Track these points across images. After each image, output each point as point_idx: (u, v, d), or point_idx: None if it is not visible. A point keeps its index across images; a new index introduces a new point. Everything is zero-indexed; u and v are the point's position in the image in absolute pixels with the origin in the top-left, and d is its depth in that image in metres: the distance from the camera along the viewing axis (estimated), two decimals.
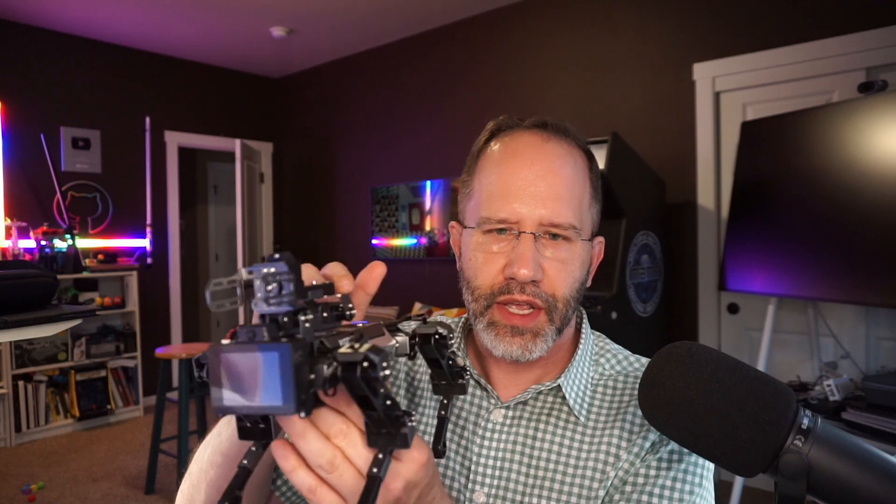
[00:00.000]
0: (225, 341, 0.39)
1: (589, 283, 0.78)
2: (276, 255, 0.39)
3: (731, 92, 3.32)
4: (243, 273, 0.39)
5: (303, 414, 0.37)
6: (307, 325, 0.39)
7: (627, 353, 0.81)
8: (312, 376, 0.38)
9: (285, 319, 0.39)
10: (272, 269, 0.39)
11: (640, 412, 0.70)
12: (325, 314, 0.42)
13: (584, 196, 0.74)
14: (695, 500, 0.66)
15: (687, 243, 3.47)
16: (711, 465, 0.69)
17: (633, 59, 3.66)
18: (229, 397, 0.38)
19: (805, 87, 3.08)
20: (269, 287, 0.39)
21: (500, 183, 0.72)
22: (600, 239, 0.80)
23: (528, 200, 0.69)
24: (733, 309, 3.32)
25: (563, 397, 0.74)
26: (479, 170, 0.76)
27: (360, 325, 0.48)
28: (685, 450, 0.67)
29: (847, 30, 2.91)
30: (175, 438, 3.22)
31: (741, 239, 2.76)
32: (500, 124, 0.78)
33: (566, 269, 0.71)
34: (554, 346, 0.74)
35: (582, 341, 0.79)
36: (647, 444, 0.68)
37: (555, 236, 0.70)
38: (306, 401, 0.37)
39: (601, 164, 2.73)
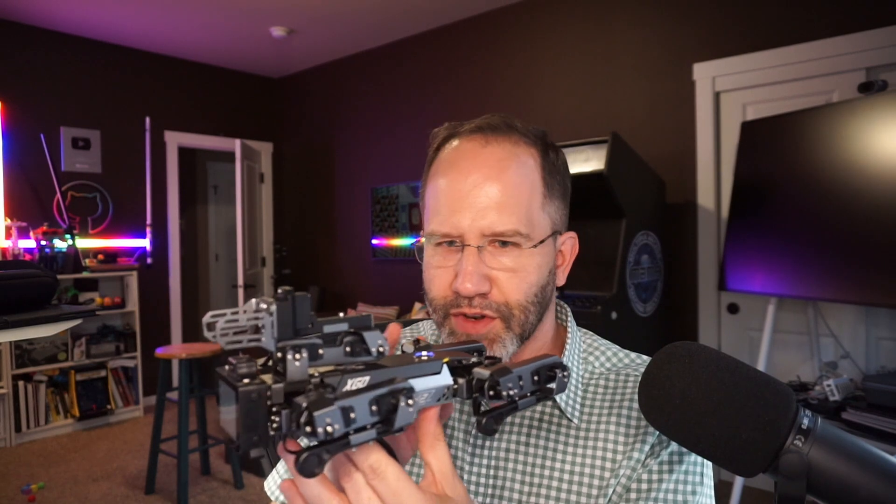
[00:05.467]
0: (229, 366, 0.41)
1: (561, 282, 0.76)
2: (280, 292, 0.41)
3: (731, 92, 3.32)
4: (252, 304, 0.41)
5: (254, 452, 0.39)
6: (297, 363, 0.40)
7: (617, 348, 0.80)
8: (277, 419, 0.39)
9: (278, 354, 0.40)
10: (262, 306, 0.40)
11: (634, 411, 0.71)
12: (347, 349, 0.43)
13: (533, 196, 0.70)
14: (698, 500, 0.66)
15: (687, 243, 3.47)
16: (710, 462, 0.69)
17: (633, 59, 3.66)
18: (225, 411, 0.40)
19: (805, 87, 3.08)
20: (262, 323, 0.40)
21: (441, 196, 0.71)
22: (571, 234, 0.77)
23: (468, 213, 0.68)
24: (733, 309, 3.32)
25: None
26: (428, 181, 0.75)
27: (424, 356, 0.48)
28: (684, 450, 0.67)
29: (847, 30, 2.91)
30: (175, 438, 3.22)
31: (741, 239, 2.76)
32: (449, 131, 0.76)
33: (517, 276, 0.69)
34: (536, 346, 0.73)
35: (568, 341, 0.77)
36: (647, 448, 0.68)
37: (504, 243, 0.69)
38: (259, 441, 0.38)
39: (601, 165, 2.75)
